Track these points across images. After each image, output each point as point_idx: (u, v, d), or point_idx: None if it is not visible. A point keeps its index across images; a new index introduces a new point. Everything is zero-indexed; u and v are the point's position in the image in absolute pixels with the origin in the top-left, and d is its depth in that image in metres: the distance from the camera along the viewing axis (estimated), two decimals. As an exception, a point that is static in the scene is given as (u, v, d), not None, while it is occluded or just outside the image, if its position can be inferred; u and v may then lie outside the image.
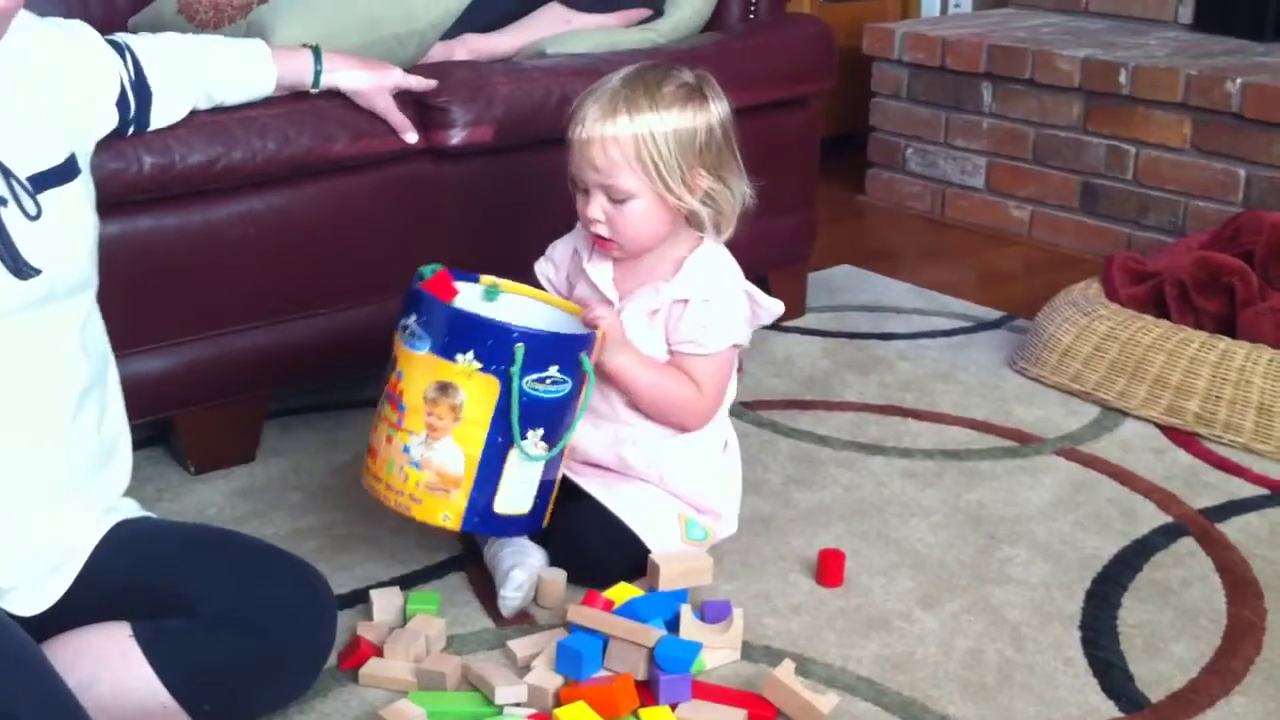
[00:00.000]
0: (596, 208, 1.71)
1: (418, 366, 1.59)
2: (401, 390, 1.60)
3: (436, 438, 1.58)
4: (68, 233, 1.43)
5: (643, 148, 1.67)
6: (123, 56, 1.65)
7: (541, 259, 1.88)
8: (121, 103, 1.66)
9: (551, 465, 1.66)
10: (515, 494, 1.63)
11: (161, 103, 1.74)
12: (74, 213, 1.45)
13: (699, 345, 1.74)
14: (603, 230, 1.72)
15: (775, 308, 1.82)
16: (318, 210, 2.03)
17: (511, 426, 1.58)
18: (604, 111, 1.68)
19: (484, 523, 1.63)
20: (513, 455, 1.60)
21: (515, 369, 1.55)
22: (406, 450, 1.60)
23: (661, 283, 1.75)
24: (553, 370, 1.58)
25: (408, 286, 1.63)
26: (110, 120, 1.64)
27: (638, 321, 1.76)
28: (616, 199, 1.70)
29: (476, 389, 1.57)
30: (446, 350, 1.57)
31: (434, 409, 1.58)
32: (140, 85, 1.69)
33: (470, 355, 1.56)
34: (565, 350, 1.60)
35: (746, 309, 1.78)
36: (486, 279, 1.74)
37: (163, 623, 1.42)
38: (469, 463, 1.59)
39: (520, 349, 1.55)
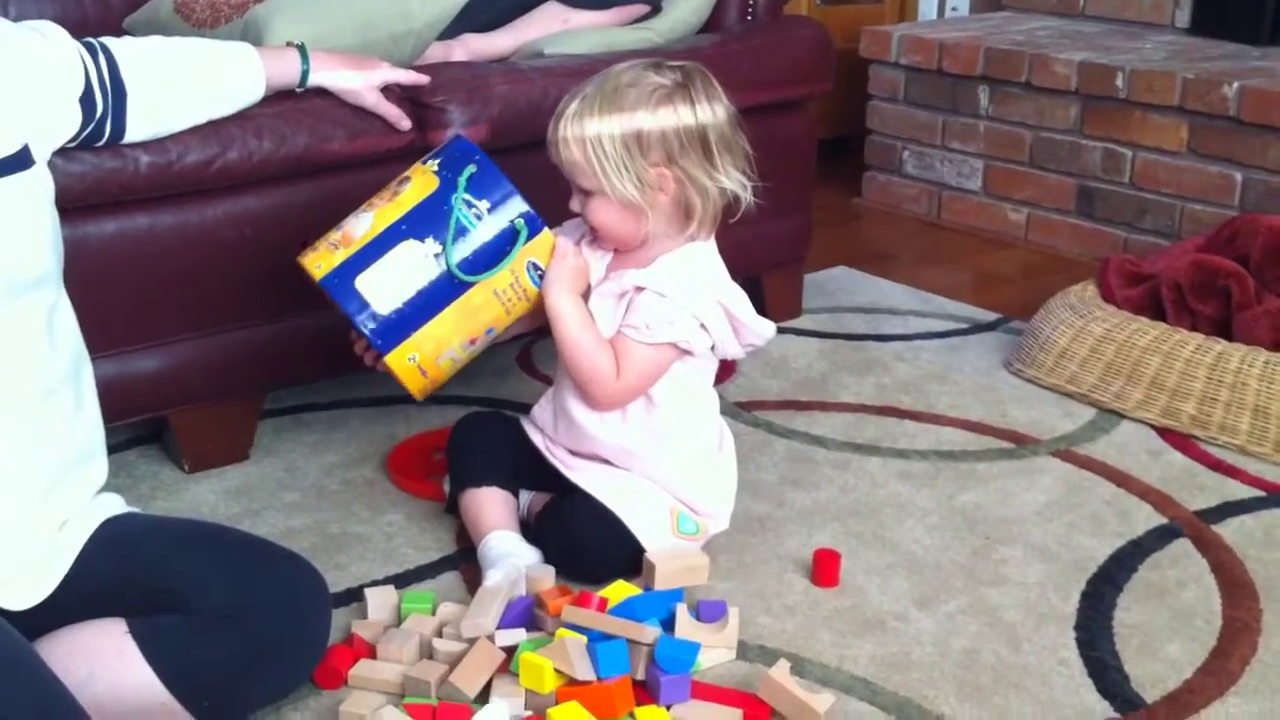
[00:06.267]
0: (575, 201, 1.77)
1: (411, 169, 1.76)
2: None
3: (367, 210, 1.71)
4: (19, 223, 1.41)
5: (589, 148, 1.70)
6: (94, 55, 1.61)
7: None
8: (87, 100, 1.61)
9: (436, 295, 1.68)
10: (384, 282, 1.67)
11: (139, 103, 1.69)
12: (27, 204, 1.43)
13: (635, 330, 1.74)
14: (586, 221, 1.77)
15: (765, 329, 1.79)
16: (314, 209, 2.02)
17: (424, 225, 1.68)
18: (568, 113, 1.72)
19: (340, 286, 1.67)
20: (406, 246, 1.67)
21: (462, 179, 1.68)
22: (351, 216, 1.73)
23: (630, 270, 1.76)
24: (483, 204, 1.69)
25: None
26: (74, 118, 1.60)
27: (606, 303, 1.78)
28: (583, 193, 1.75)
29: (419, 181, 1.71)
30: (429, 158, 1.75)
31: (383, 191, 1.73)
32: (115, 84, 1.65)
33: (436, 162, 1.73)
34: (504, 193, 1.70)
35: (717, 318, 1.75)
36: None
37: (158, 619, 1.42)
38: (369, 234, 1.68)
39: (471, 167, 1.69)
